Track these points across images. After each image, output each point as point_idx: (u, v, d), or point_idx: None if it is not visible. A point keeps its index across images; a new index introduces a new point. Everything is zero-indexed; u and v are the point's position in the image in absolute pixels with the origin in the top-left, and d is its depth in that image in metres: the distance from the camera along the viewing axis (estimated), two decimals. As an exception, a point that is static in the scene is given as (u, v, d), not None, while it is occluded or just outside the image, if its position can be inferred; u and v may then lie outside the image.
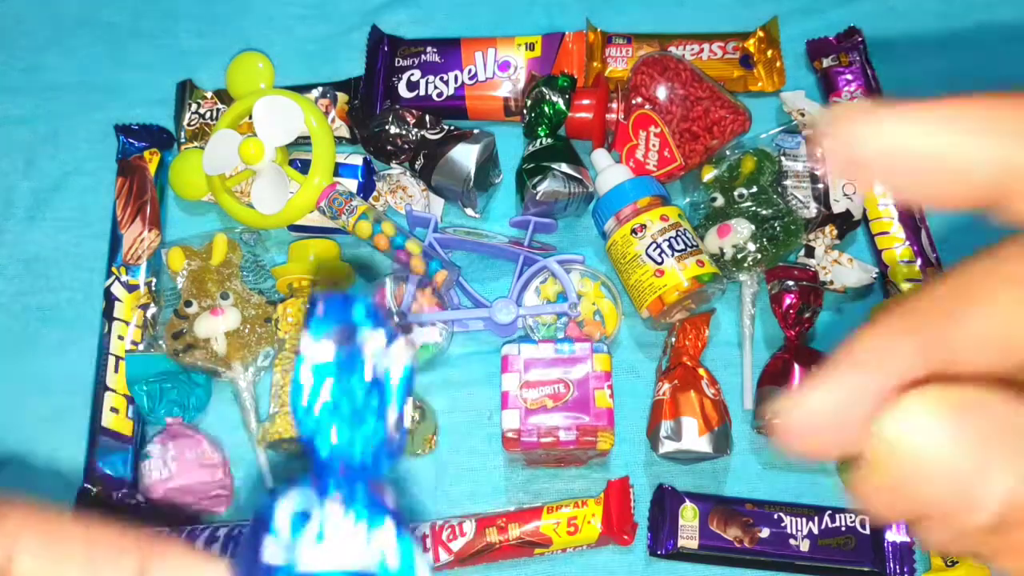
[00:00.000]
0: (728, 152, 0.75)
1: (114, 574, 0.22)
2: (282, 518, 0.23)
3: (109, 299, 0.76)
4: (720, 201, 0.74)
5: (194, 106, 0.82)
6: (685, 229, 0.72)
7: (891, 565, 0.67)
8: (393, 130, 0.77)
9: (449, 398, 0.74)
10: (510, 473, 0.72)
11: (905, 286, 0.73)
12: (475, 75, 0.80)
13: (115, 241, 0.78)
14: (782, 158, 0.75)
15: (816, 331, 0.73)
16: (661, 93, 0.75)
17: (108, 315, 0.75)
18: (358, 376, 0.24)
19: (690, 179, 0.78)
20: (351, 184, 0.77)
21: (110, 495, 0.71)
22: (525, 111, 0.77)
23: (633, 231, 0.71)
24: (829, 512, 0.68)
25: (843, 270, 0.73)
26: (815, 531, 0.67)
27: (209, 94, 0.83)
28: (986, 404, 0.19)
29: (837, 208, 0.75)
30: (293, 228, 0.77)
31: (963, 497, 0.19)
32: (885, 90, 0.79)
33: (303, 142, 0.77)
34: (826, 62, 0.80)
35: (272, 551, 0.23)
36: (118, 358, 0.74)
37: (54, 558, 0.22)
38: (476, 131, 0.77)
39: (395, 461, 0.25)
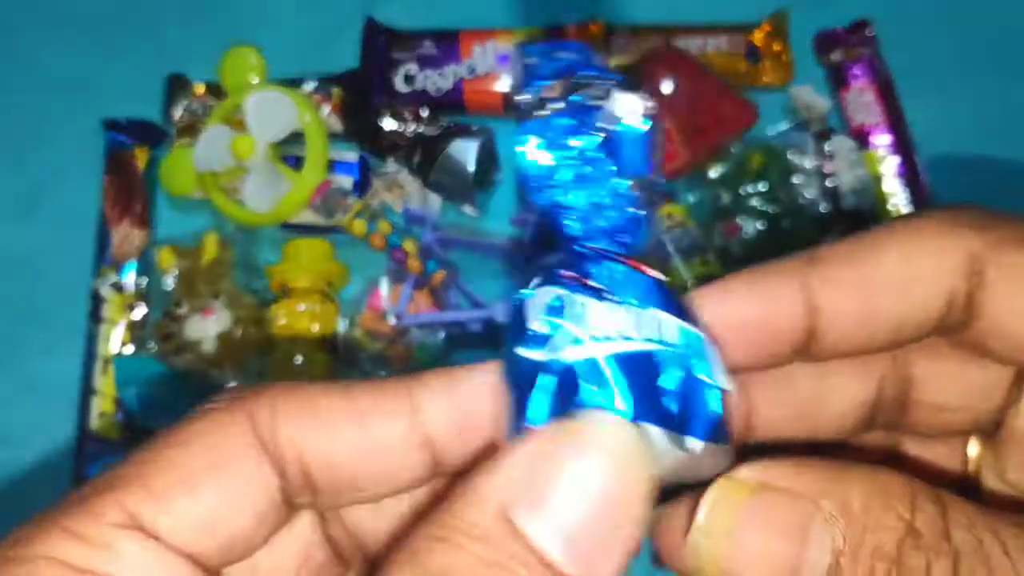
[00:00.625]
0: (734, 148, 0.74)
1: (387, 424, 0.22)
2: (534, 313, 0.21)
3: (96, 300, 0.74)
4: (726, 199, 0.72)
5: (184, 101, 0.80)
6: (690, 227, 0.70)
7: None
8: (389, 126, 0.75)
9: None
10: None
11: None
12: (474, 69, 0.78)
13: (103, 240, 0.76)
14: (790, 154, 0.73)
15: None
16: (666, 87, 0.73)
17: (95, 316, 0.74)
18: (586, 133, 0.21)
19: (695, 176, 0.76)
20: (346, 181, 0.75)
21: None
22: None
23: (637, 230, 0.69)
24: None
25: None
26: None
27: (200, 89, 0.80)
28: (778, 487, 0.21)
29: (846, 206, 0.73)
30: (286, 226, 0.75)
31: None
32: (897, 83, 0.77)
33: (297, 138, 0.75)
34: (835, 56, 0.78)
35: (530, 350, 0.21)
36: (106, 360, 0.73)
37: (323, 427, 0.22)
38: (475, 127, 0.75)
39: (645, 229, 0.23)
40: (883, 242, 0.24)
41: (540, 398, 0.21)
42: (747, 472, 0.21)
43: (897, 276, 0.23)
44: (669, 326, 0.21)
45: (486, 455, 0.23)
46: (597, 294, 0.21)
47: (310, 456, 0.22)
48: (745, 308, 0.24)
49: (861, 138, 0.76)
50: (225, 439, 0.22)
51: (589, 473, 0.19)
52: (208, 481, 0.21)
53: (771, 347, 0.24)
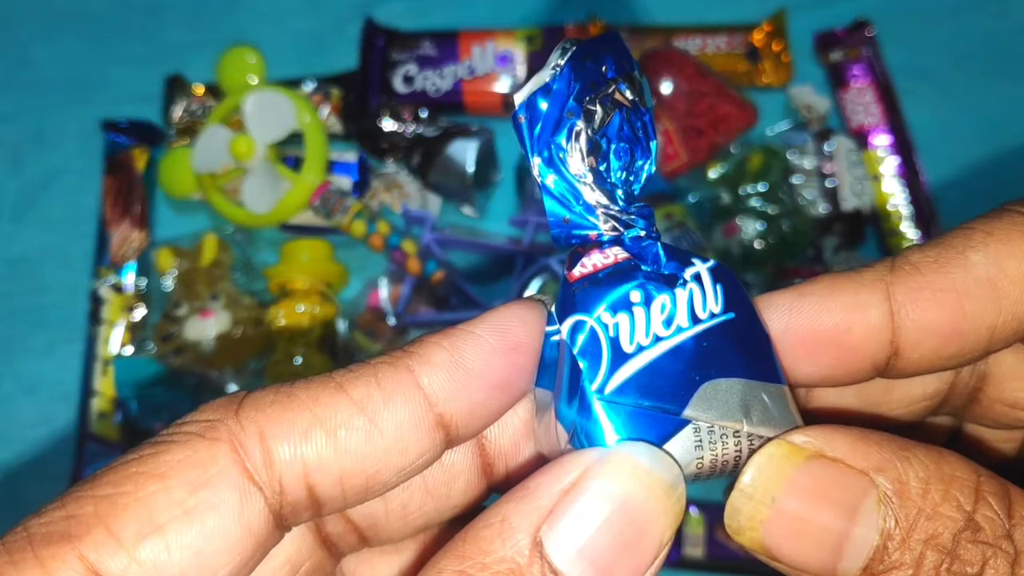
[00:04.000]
0: (734, 149, 0.73)
1: (397, 414, 0.20)
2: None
3: (96, 301, 0.74)
4: (726, 199, 0.72)
5: (183, 102, 0.80)
6: (690, 228, 0.70)
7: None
8: (388, 126, 0.75)
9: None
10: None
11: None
12: (473, 69, 0.78)
13: (102, 241, 0.76)
14: (790, 155, 0.73)
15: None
16: (665, 88, 0.73)
17: (95, 317, 0.73)
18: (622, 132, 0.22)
19: (695, 177, 0.75)
20: (345, 182, 0.74)
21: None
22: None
23: (636, 231, 0.69)
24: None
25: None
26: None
27: (199, 89, 0.80)
28: (834, 458, 0.20)
29: (846, 207, 0.73)
30: (285, 228, 0.75)
31: (828, 560, 0.19)
32: (896, 83, 0.77)
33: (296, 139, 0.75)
34: (835, 56, 0.78)
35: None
36: (106, 361, 0.73)
37: (327, 438, 0.20)
38: (474, 127, 0.75)
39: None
40: (968, 245, 0.21)
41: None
42: (803, 437, 0.20)
43: (989, 280, 0.21)
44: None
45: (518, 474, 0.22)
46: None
47: (316, 474, 0.20)
48: (821, 318, 0.22)
49: (861, 138, 0.75)
50: (205, 476, 0.19)
51: (621, 505, 0.19)
52: (185, 527, 0.18)
53: (848, 363, 0.22)
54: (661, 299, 0.22)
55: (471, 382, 0.21)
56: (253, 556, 0.20)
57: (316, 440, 0.20)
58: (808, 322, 0.22)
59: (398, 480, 0.21)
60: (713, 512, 0.66)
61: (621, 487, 0.19)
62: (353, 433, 0.20)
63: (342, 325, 0.72)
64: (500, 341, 0.21)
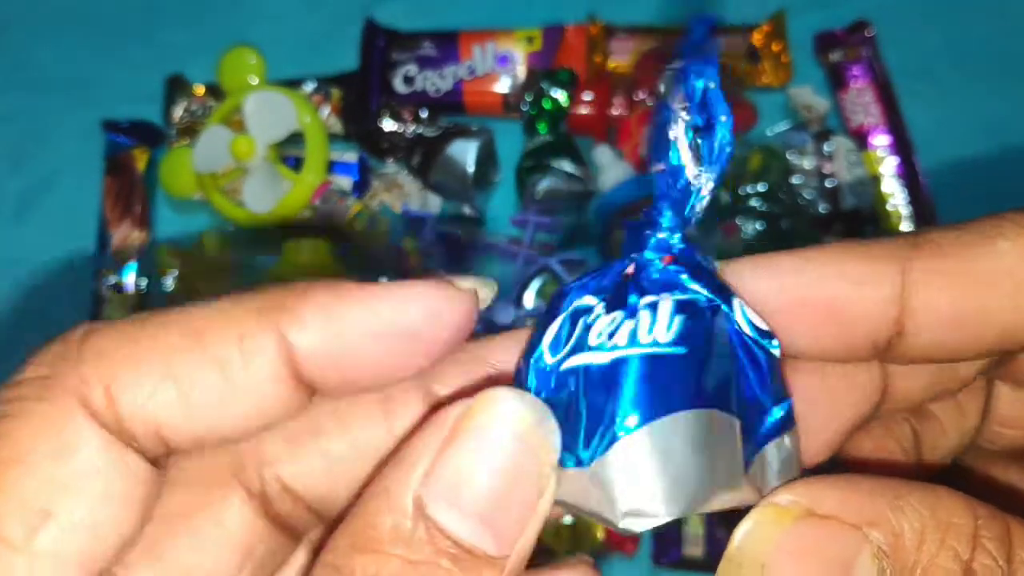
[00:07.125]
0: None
1: (252, 368, 0.19)
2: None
3: (97, 301, 0.74)
4: (726, 199, 0.72)
5: (184, 102, 0.80)
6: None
7: None
8: (389, 127, 0.75)
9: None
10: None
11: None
12: (473, 69, 0.78)
13: (103, 241, 0.76)
14: (789, 155, 0.73)
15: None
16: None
17: (96, 317, 0.74)
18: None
19: (695, 176, 0.76)
20: (346, 182, 0.75)
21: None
22: (525, 107, 0.75)
23: (636, 230, 0.69)
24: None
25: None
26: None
27: (200, 89, 0.80)
28: (826, 517, 0.19)
29: (846, 206, 0.73)
30: (286, 227, 0.75)
31: None
32: (896, 83, 0.77)
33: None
34: (834, 56, 0.78)
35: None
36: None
37: (177, 391, 0.19)
38: (475, 127, 0.75)
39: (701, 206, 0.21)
40: (999, 232, 0.20)
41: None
42: (790, 496, 0.19)
43: (1014, 273, 0.20)
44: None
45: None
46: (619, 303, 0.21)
47: (167, 430, 0.19)
48: (825, 286, 0.20)
49: (860, 138, 0.76)
50: (66, 442, 0.18)
51: (491, 451, 0.19)
52: (71, 503, 0.18)
53: (846, 338, 0.21)
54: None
55: (344, 359, 0.20)
56: (148, 501, 0.19)
57: (167, 396, 0.19)
58: (810, 289, 0.21)
59: (258, 433, 0.20)
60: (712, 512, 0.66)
61: (490, 433, 0.19)
62: (207, 393, 0.19)
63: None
64: (393, 322, 0.20)
